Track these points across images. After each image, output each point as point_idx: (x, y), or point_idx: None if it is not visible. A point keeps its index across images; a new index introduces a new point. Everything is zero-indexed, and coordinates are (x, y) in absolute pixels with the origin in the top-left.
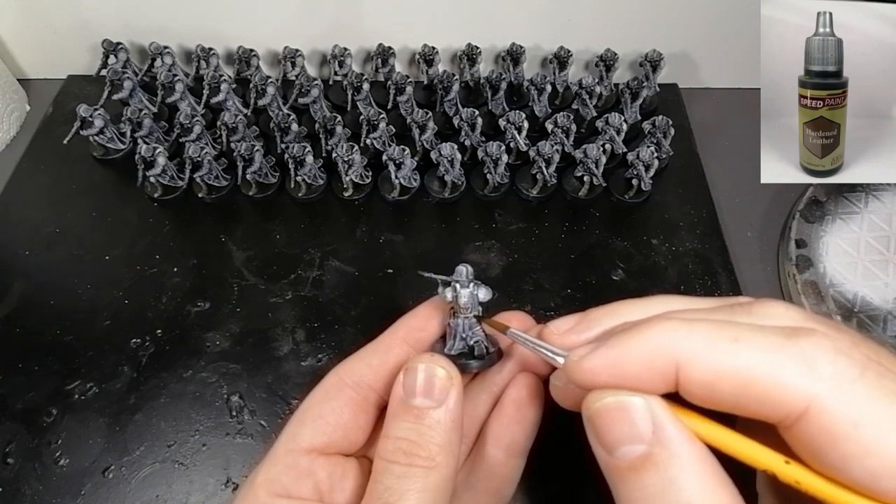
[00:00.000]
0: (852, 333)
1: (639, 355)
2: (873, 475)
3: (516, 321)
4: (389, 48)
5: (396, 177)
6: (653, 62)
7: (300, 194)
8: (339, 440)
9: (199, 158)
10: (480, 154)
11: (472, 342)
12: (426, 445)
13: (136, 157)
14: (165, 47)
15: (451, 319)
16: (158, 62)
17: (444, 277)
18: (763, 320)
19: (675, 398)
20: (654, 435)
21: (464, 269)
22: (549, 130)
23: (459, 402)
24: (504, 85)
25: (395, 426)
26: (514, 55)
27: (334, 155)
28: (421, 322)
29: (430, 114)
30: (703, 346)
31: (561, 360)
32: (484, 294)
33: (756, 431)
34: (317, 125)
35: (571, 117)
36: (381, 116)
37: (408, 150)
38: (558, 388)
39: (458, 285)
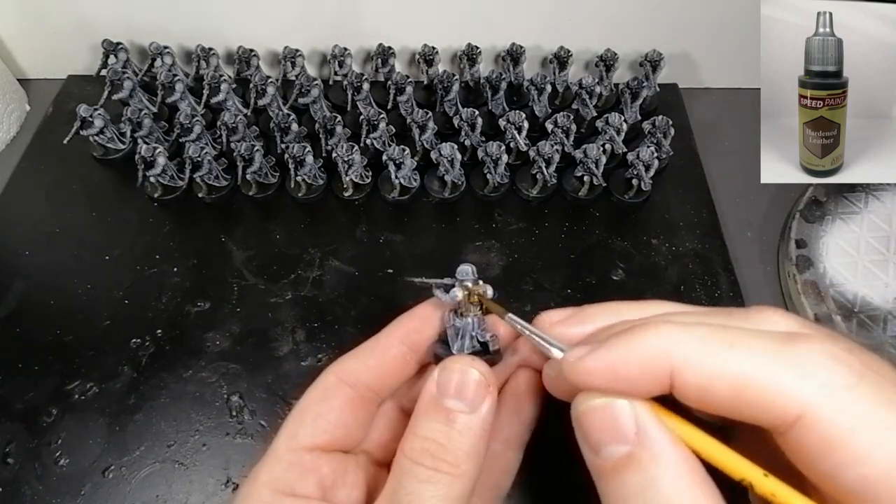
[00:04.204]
0: (848, 341)
1: (635, 358)
2: (867, 482)
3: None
4: (389, 48)
5: (396, 177)
6: (653, 62)
7: (300, 194)
8: (340, 438)
9: (199, 158)
10: (480, 154)
11: (487, 338)
12: (454, 451)
13: (136, 157)
14: (165, 47)
15: (458, 320)
16: (158, 62)
17: (437, 281)
18: (760, 326)
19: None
20: (637, 436)
21: (469, 268)
22: (549, 130)
23: (492, 410)
24: (504, 85)
25: (425, 425)
26: (514, 55)
27: (334, 155)
28: (419, 323)
29: (430, 114)
30: (698, 351)
31: (556, 352)
32: (490, 292)
33: (754, 439)
34: (317, 125)
35: (571, 117)
36: (381, 116)
37: (408, 150)
38: (551, 378)
39: (468, 283)
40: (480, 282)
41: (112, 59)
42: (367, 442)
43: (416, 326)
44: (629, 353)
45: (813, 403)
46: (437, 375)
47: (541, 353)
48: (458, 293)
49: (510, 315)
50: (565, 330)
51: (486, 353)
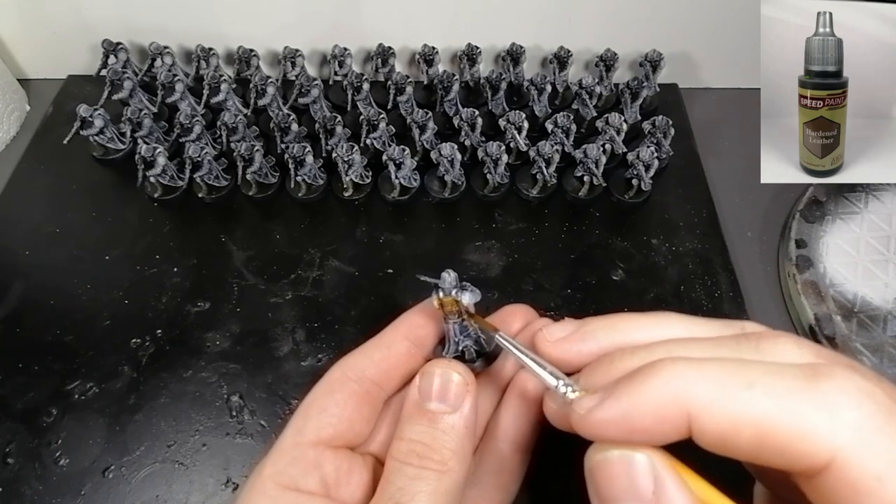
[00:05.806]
0: (866, 370)
1: (648, 406)
2: None
3: (521, 314)
4: (389, 48)
5: (396, 177)
6: (653, 62)
7: (300, 194)
8: (344, 431)
9: (199, 158)
10: (480, 154)
11: (461, 347)
12: (440, 450)
13: (136, 157)
14: (165, 47)
15: (444, 324)
16: (158, 62)
17: (437, 281)
18: (774, 358)
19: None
20: (655, 495)
21: (447, 276)
22: (549, 130)
23: (474, 408)
24: (504, 85)
25: (410, 429)
26: (514, 55)
27: (334, 155)
28: (422, 319)
29: (430, 114)
30: (715, 394)
31: (549, 379)
32: (468, 298)
33: (777, 479)
34: (317, 125)
35: (571, 117)
36: (381, 116)
37: (408, 150)
38: (553, 410)
39: (441, 291)
40: (454, 292)
41: (112, 59)
42: (375, 444)
43: (420, 322)
44: (642, 400)
45: (842, 449)
46: (419, 381)
47: (547, 352)
48: (434, 301)
49: (500, 334)
50: (567, 348)
51: (473, 359)
